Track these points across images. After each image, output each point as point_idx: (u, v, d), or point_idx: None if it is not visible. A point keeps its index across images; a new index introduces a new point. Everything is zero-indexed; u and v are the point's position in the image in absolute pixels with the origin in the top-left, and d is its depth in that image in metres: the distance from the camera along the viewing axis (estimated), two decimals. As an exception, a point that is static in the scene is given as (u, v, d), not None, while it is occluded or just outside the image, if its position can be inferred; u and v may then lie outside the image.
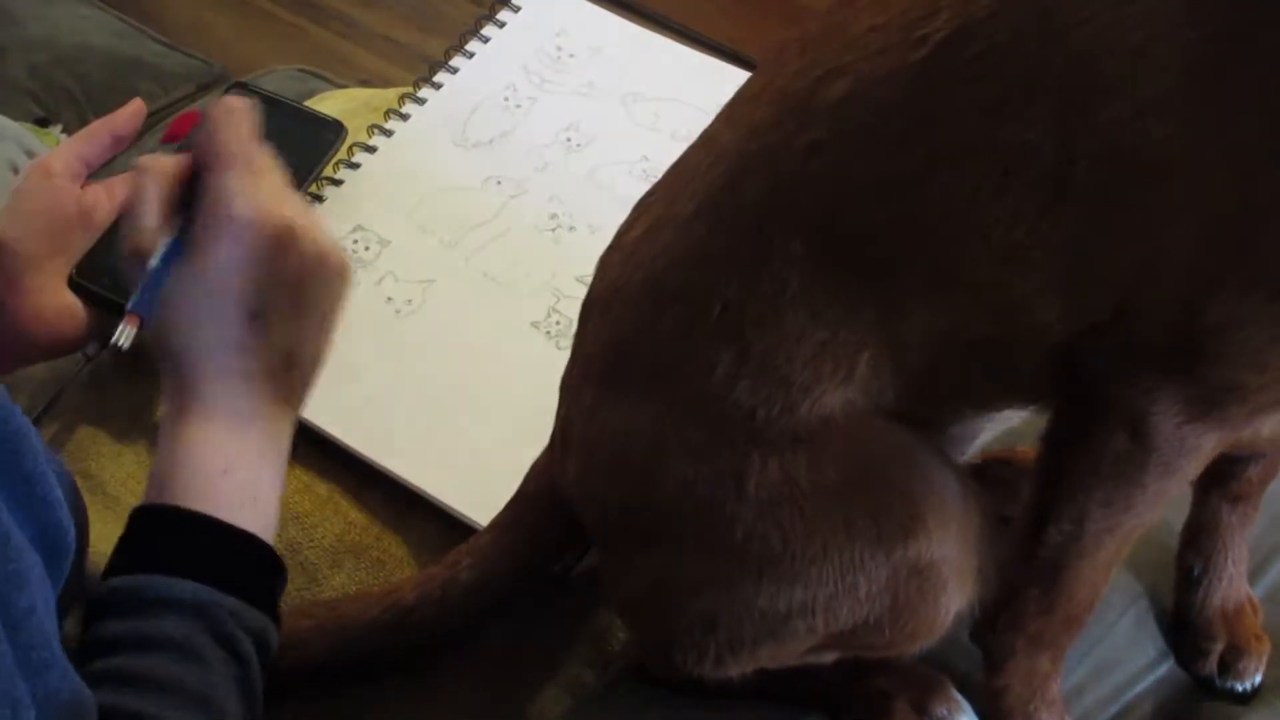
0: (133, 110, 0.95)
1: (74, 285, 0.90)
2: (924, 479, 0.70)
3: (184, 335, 0.75)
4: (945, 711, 0.77)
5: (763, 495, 0.68)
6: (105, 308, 0.91)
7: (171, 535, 0.71)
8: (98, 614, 0.68)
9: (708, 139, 0.72)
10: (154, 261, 0.76)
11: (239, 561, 0.72)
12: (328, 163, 0.99)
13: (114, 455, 0.91)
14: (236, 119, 0.77)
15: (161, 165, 0.77)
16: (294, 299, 0.76)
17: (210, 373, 0.75)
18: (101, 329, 0.93)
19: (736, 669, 0.74)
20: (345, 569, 0.86)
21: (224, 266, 0.74)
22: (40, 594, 0.55)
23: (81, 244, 0.90)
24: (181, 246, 0.76)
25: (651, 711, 0.79)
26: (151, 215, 0.76)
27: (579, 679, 0.83)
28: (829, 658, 0.75)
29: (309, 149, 0.98)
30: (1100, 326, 0.66)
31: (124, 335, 0.76)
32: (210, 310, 0.75)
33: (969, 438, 0.80)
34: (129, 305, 0.76)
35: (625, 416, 0.71)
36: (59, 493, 0.57)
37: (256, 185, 0.75)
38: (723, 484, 0.69)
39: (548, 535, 0.81)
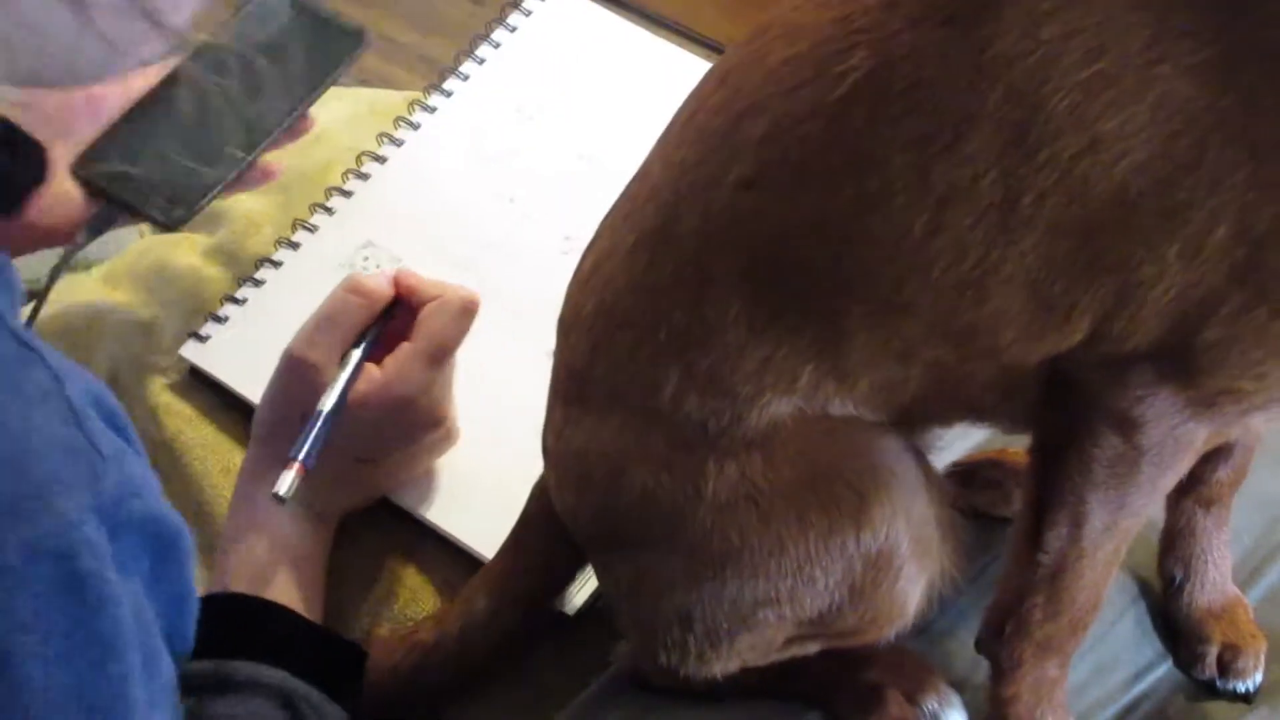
0: None
1: (74, 172, 0.87)
2: (874, 473, 0.71)
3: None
4: (936, 704, 0.78)
5: (721, 497, 0.71)
6: (103, 196, 0.89)
7: (260, 625, 0.77)
8: (186, 692, 0.71)
9: (644, 171, 0.74)
10: (324, 409, 0.81)
11: (322, 656, 0.77)
12: (344, 70, 0.95)
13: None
14: (466, 319, 0.84)
15: (371, 296, 0.84)
16: (403, 461, 0.86)
17: (304, 474, 0.80)
18: (95, 217, 0.90)
19: (720, 665, 0.75)
20: (359, 600, 0.86)
21: (362, 421, 0.82)
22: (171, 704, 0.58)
23: (86, 132, 0.89)
24: (346, 398, 0.81)
25: (651, 715, 0.80)
26: (339, 342, 0.83)
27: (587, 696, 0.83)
28: (811, 648, 0.76)
29: (328, 54, 0.94)
30: (1075, 345, 0.66)
31: (287, 486, 0.78)
32: (330, 445, 0.81)
33: (934, 442, 0.81)
34: (295, 452, 0.79)
35: (588, 433, 0.74)
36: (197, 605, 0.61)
37: (432, 379, 0.83)
38: (682, 489, 0.71)
39: (554, 555, 0.82)
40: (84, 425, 0.52)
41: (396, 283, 0.86)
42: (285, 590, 0.80)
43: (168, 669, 0.56)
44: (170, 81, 0.94)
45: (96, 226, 0.92)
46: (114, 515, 0.52)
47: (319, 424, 0.80)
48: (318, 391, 0.81)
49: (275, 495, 0.78)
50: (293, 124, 0.93)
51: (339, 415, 0.81)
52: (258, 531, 0.81)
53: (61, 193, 0.88)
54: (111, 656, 0.52)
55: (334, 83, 0.95)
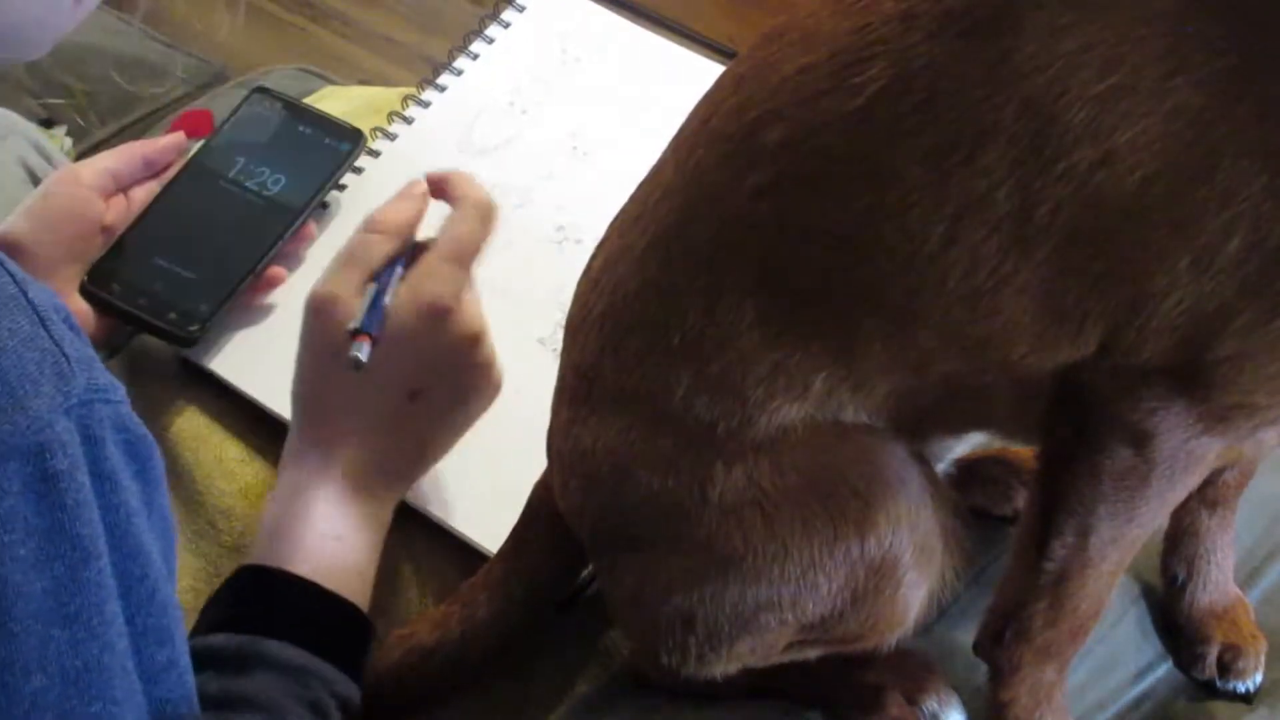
0: (172, 142, 0.96)
1: (84, 291, 0.90)
2: (881, 480, 0.71)
3: (343, 394, 0.79)
4: (936, 704, 0.78)
5: (727, 500, 0.70)
6: (114, 314, 0.91)
7: (278, 598, 0.74)
8: (197, 667, 0.69)
9: (656, 172, 0.74)
10: (378, 283, 0.79)
11: (338, 629, 0.74)
12: (345, 171, 0.98)
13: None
14: (486, 223, 0.82)
15: (390, 227, 0.82)
16: (454, 395, 0.81)
17: (354, 440, 0.79)
18: (107, 336, 0.93)
19: (720, 667, 0.75)
20: None
21: (401, 337, 0.78)
22: (182, 647, 0.57)
23: (97, 253, 0.92)
24: (402, 274, 0.79)
25: (651, 715, 0.80)
26: (360, 278, 0.80)
27: (586, 697, 0.83)
28: (812, 653, 0.76)
29: (327, 157, 0.97)
30: (1088, 357, 0.66)
31: (359, 351, 0.77)
32: (378, 377, 0.78)
33: (942, 452, 0.81)
34: (356, 325, 0.77)
35: (594, 433, 0.74)
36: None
37: (461, 282, 0.80)
38: (688, 491, 0.71)
39: (556, 555, 0.81)
40: (50, 328, 0.51)
41: (429, 180, 0.85)
42: (303, 550, 0.76)
43: (167, 609, 0.55)
44: (169, 193, 0.94)
45: (113, 345, 0.92)
46: (84, 419, 0.51)
47: (372, 295, 0.78)
48: (346, 321, 0.78)
49: (353, 360, 0.75)
50: (296, 231, 0.94)
51: (393, 285, 0.79)
52: (296, 484, 0.78)
53: (75, 311, 0.88)
54: (86, 562, 0.51)
55: (335, 185, 0.96)
